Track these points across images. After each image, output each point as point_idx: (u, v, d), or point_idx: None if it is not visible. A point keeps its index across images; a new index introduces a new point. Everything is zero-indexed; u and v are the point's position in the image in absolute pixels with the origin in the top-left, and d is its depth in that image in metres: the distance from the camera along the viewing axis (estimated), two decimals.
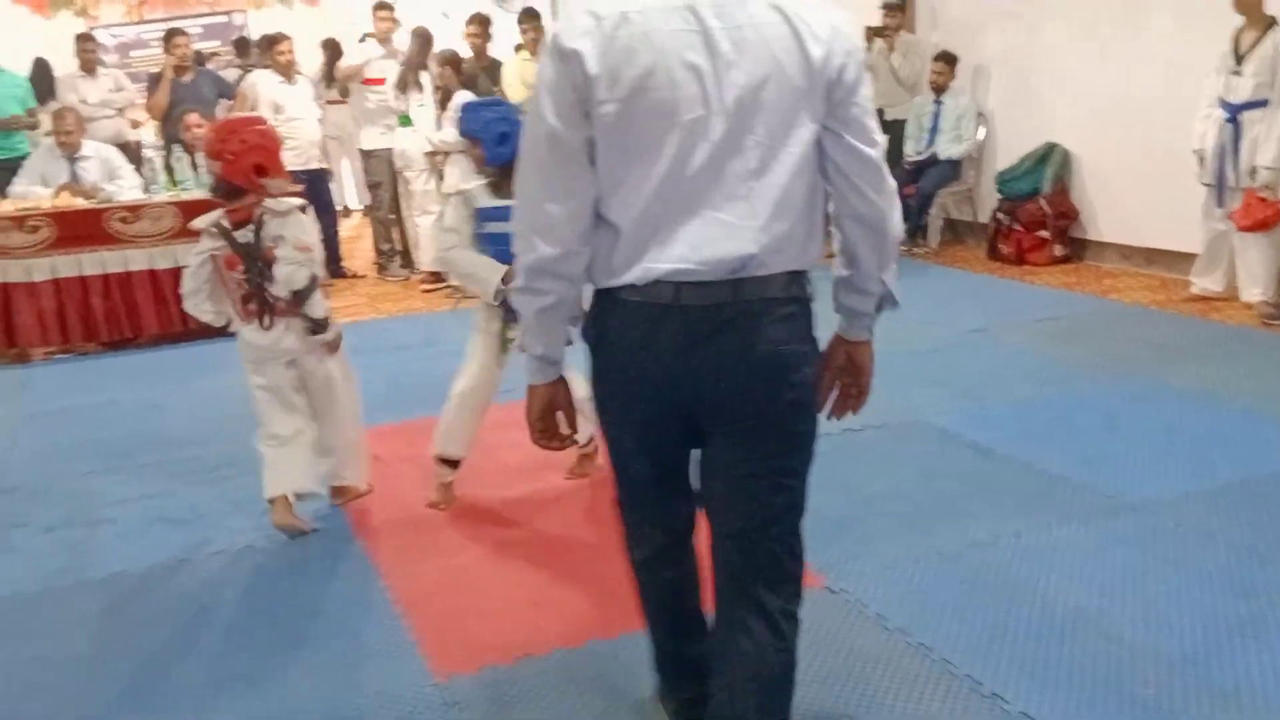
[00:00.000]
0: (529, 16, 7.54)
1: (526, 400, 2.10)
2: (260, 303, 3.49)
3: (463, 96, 7.23)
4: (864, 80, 1.88)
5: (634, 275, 1.87)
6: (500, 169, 3.53)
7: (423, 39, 7.70)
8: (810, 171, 1.88)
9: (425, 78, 7.56)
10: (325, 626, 3.11)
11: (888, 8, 7.97)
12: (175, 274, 6.39)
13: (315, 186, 7.23)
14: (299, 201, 3.63)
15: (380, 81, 7.78)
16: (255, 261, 3.44)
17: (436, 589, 3.29)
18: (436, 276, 7.80)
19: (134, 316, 6.43)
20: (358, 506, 3.91)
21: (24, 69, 8.58)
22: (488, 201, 3.63)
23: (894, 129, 8.10)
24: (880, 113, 8.28)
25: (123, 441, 4.78)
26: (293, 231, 3.49)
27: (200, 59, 8.73)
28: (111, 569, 3.55)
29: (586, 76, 1.78)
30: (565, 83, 1.80)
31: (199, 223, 3.56)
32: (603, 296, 1.95)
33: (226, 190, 3.49)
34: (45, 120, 7.61)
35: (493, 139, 3.58)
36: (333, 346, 3.67)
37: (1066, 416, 4.37)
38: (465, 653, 2.90)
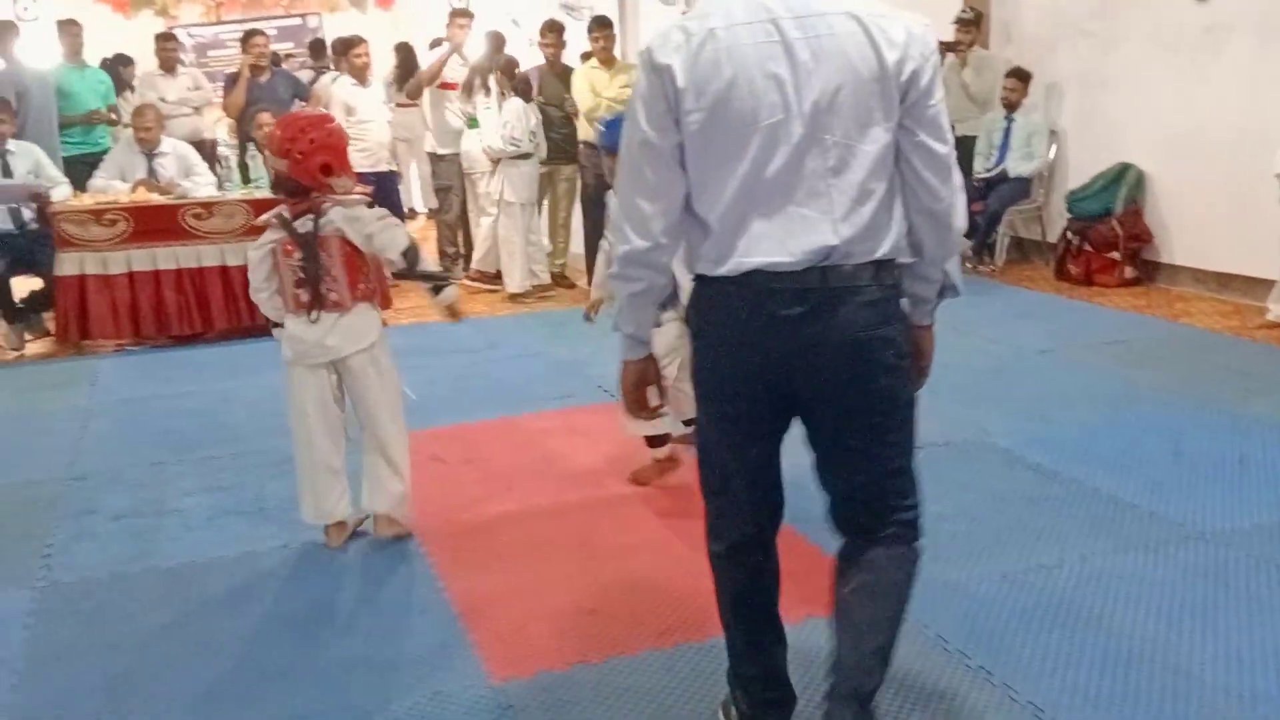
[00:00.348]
0: (600, 25, 7.56)
1: (620, 375, 2.30)
2: (312, 291, 3.44)
3: (514, 104, 7.29)
4: (938, 81, 2.02)
5: (727, 267, 2.04)
6: None
7: (496, 43, 7.78)
8: (887, 167, 2.03)
9: (493, 81, 7.63)
10: (383, 625, 3.14)
11: (961, 23, 7.89)
12: (245, 270, 6.50)
13: (384, 188, 7.31)
14: (364, 197, 3.60)
15: (455, 86, 7.86)
16: (312, 248, 3.41)
17: (494, 592, 3.30)
18: (484, 276, 7.87)
19: (204, 311, 6.55)
20: (418, 509, 3.93)
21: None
22: None
23: (964, 145, 7.99)
24: (950, 128, 8.21)
25: (191, 433, 4.87)
26: (361, 212, 3.45)
27: (275, 60, 8.88)
28: (177, 558, 3.62)
29: (676, 89, 1.98)
30: (657, 94, 2.01)
31: (264, 219, 3.57)
32: (701, 284, 2.13)
33: (291, 188, 3.45)
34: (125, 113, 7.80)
35: None
36: (454, 310, 3.63)
37: (1134, 442, 4.29)
38: (520, 656, 2.91)
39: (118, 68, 9.35)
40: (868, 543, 2.26)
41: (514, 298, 7.54)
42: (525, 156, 7.40)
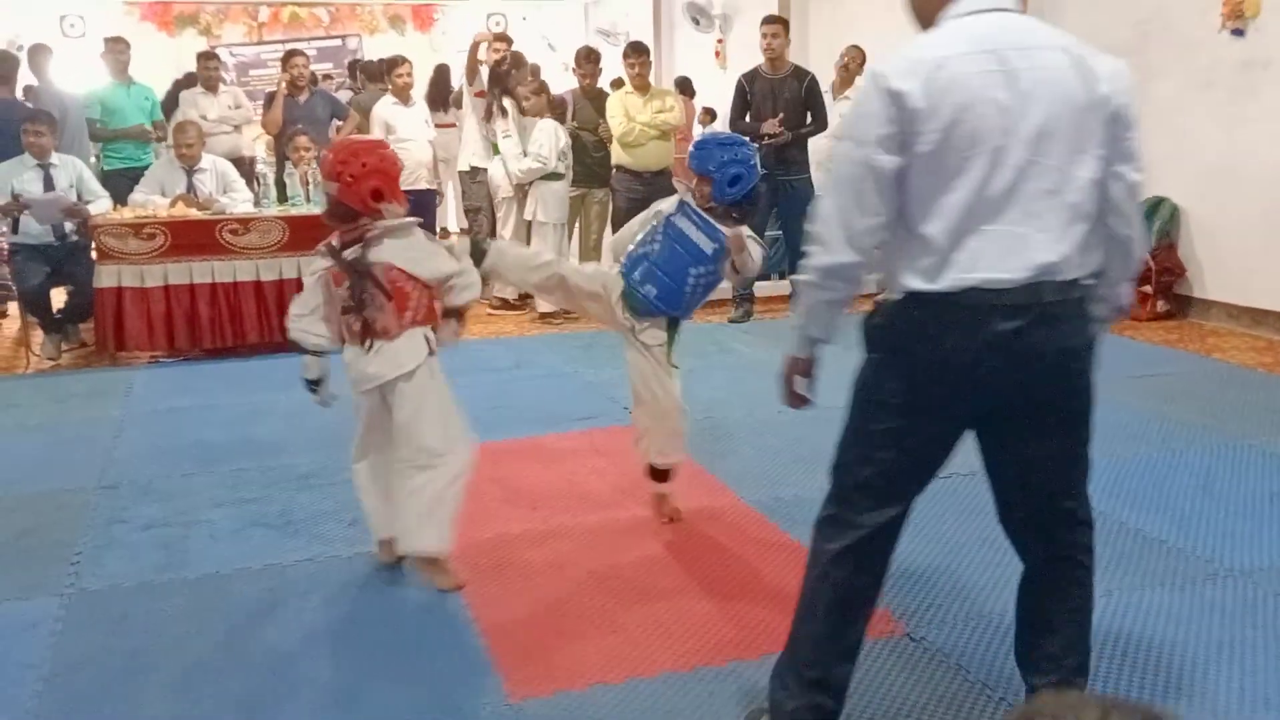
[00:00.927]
0: (636, 51, 7.62)
1: (784, 367, 2.48)
2: (361, 320, 3.38)
3: (546, 125, 7.33)
4: (1137, 116, 2.21)
5: (946, 283, 2.17)
6: (727, 207, 3.70)
7: (498, 67, 7.84)
8: (1094, 193, 2.20)
9: (508, 104, 7.65)
10: (403, 640, 3.16)
11: None
12: (279, 286, 6.62)
13: (420, 206, 7.38)
14: (415, 220, 3.52)
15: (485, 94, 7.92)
16: (360, 277, 3.35)
17: (515, 611, 3.31)
18: (505, 303, 7.91)
19: (237, 325, 6.63)
20: None
21: (152, 84, 8.95)
22: (696, 202, 3.74)
23: None
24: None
25: (221, 446, 4.92)
26: (418, 255, 3.39)
27: (313, 80, 9.00)
28: (204, 569, 3.65)
29: (909, 112, 2.12)
30: (887, 117, 2.14)
31: (316, 250, 3.52)
32: (912, 299, 2.23)
33: (342, 213, 3.37)
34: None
35: (725, 180, 3.67)
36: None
37: (1163, 477, 4.25)
38: (539, 676, 2.92)
39: (183, 88, 9.49)
40: (1052, 559, 2.44)
41: (544, 317, 7.58)
42: (556, 177, 7.44)
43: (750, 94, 7.35)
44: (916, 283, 2.21)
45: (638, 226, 3.89)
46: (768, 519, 3.93)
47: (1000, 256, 2.14)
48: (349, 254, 3.35)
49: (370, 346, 3.38)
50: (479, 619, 3.25)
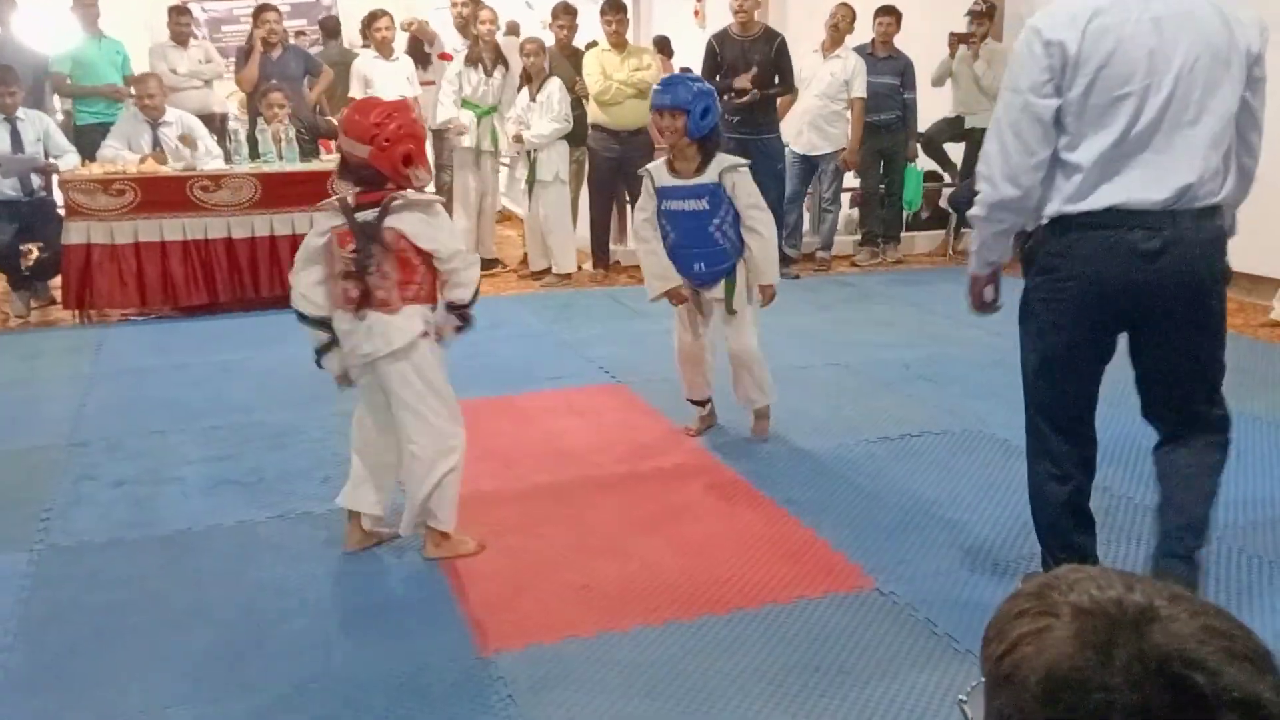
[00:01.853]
0: (613, 8, 7.51)
1: (971, 286, 2.88)
2: (361, 288, 3.18)
3: (555, 83, 7.22)
4: (1265, 59, 2.56)
5: (1090, 203, 2.53)
6: (698, 142, 3.91)
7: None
8: (1230, 125, 2.54)
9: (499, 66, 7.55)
10: (375, 595, 3.16)
11: (974, 15, 7.86)
12: (251, 244, 6.56)
13: None
14: (438, 197, 3.42)
15: (449, 57, 7.78)
16: (369, 241, 3.15)
17: (488, 566, 3.32)
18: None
19: (209, 283, 6.56)
20: None
21: (126, 39, 8.80)
22: (667, 181, 4.01)
23: (974, 136, 7.98)
24: (960, 120, 8.21)
25: (192, 404, 4.89)
26: (433, 230, 3.22)
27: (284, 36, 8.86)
28: (175, 526, 3.64)
29: (1065, 60, 2.47)
30: (1044, 65, 2.49)
31: (323, 204, 3.37)
32: (1057, 224, 2.60)
33: (369, 177, 3.18)
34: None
35: (698, 112, 3.85)
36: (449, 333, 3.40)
37: (1132, 436, 4.25)
38: (511, 630, 2.93)
39: None
40: (1190, 433, 2.76)
41: (536, 277, 7.48)
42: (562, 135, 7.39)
43: (720, 55, 7.28)
44: (1062, 205, 2.56)
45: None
46: (740, 476, 3.95)
47: (1143, 183, 2.49)
48: (362, 216, 3.18)
49: (364, 316, 3.19)
50: (450, 574, 3.26)
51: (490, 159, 7.59)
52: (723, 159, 3.99)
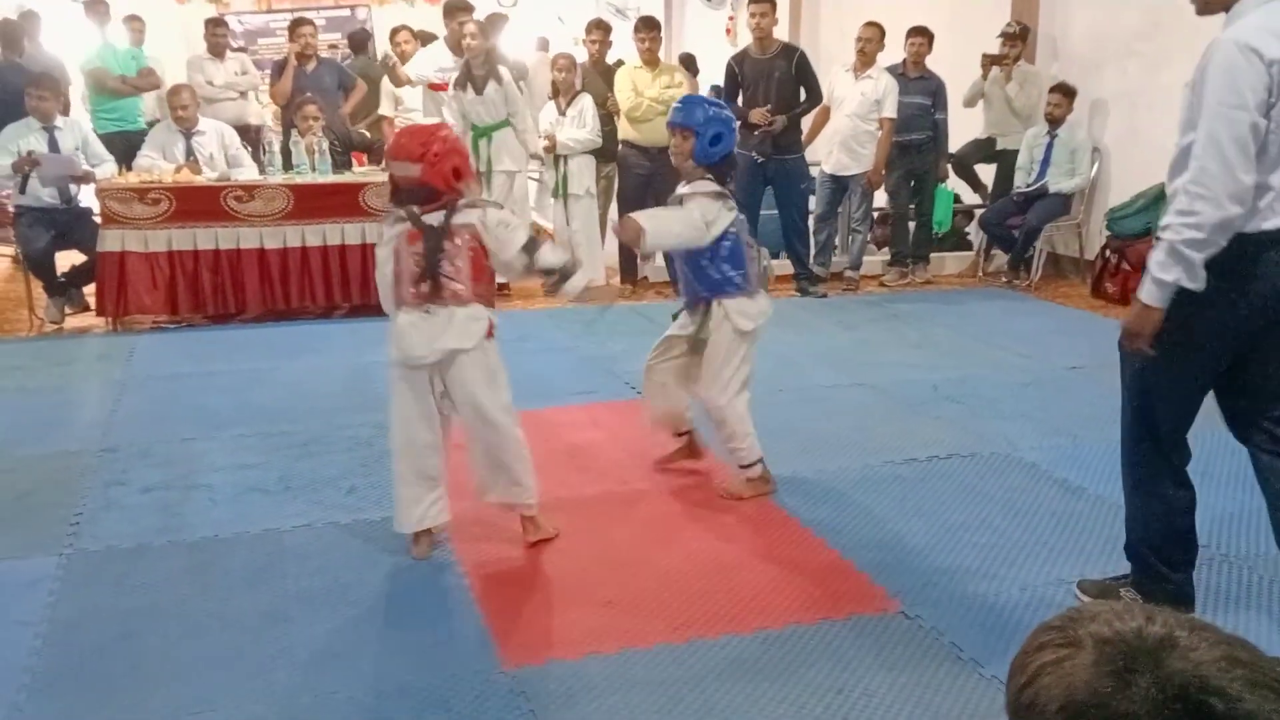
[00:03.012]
0: (647, 26, 7.55)
1: (1139, 315, 2.74)
2: (433, 282, 3.29)
3: (587, 99, 7.26)
4: None
5: (1273, 222, 2.59)
6: (705, 168, 3.76)
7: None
8: None
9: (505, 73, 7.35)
10: (400, 608, 3.17)
11: (1006, 36, 7.85)
12: (283, 254, 6.62)
13: None
14: (498, 204, 3.55)
15: (444, 87, 7.56)
16: (437, 238, 3.28)
17: (512, 581, 3.32)
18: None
19: (239, 292, 6.62)
20: None
21: (161, 51, 8.96)
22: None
23: (1005, 158, 7.97)
24: (992, 141, 8.18)
25: (221, 411, 4.93)
26: (491, 215, 3.37)
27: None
28: (201, 532, 3.66)
29: (1273, 78, 2.49)
30: (1264, 84, 2.50)
31: (385, 214, 3.49)
32: (1242, 239, 2.60)
33: (423, 194, 3.31)
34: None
35: (708, 137, 3.73)
36: (593, 297, 3.59)
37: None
38: (534, 645, 2.93)
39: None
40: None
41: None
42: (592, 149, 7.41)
43: (741, 75, 7.29)
44: (1251, 225, 2.58)
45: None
46: (767, 496, 3.93)
47: None
48: (428, 218, 3.31)
49: (431, 310, 3.30)
50: (475, 588, 3.26)
51: (504, 178, 7.45)
52: (700, 185, 3.79)
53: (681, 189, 3.86)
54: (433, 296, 3.30)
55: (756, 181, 7.14)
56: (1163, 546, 2.97)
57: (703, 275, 3.82)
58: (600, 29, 7.81)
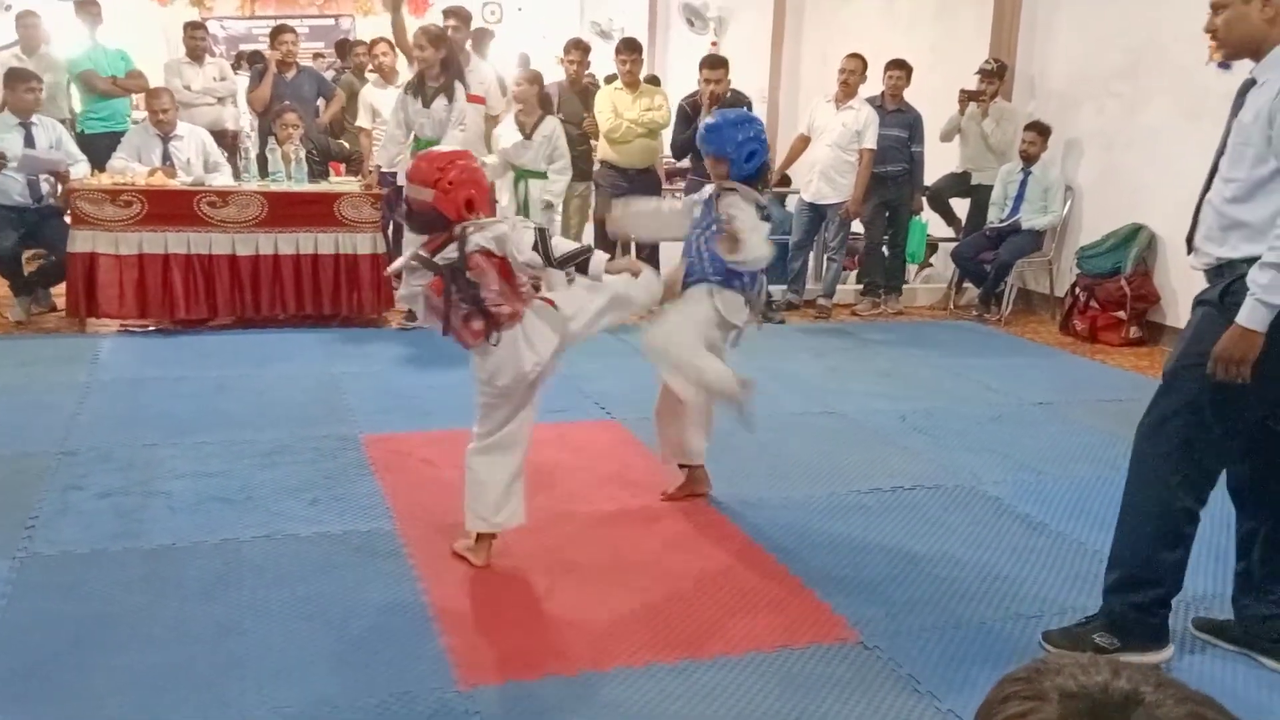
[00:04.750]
0: (629, 48, 7.57)
1: (1240, 340, 2.69)
2: (484, 318, 3.27)
3: (553, 123, 7.00)
4: None
5: None
6: (744, 181, 3.83)
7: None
8: None
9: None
10: (358, 622, 3.14)
11: (984, 73, 7.94)
12: (255, 261, 6.57)
13: (402, 195, 7.30)
14: (504, 219, 3.47)
15: (481, 100, 7.68)
16: (462, 276, 3.24)
17: (473, 599, 3.30)
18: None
19: (210, 298, 6.56)
20: (405, 511, 3.94)
21: (141, 55, 8.92)
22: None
23: (980, 194, 8.05)
24: (967, 176, 8.26)
25: (185, 418, 4.87)
26: (496, 229, 3.29)
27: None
28: (159, 540, 3.62)
29: None
30: None
31: (396, 266, 3.50)
32: None
33: (435, 221, 3.31)
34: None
35: (741, 158, 3.80)
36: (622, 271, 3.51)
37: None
38: (492, 664, 2.91)
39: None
40: None
41: None
42: (544, 175, 7.29)
43: (694, 121, 7.22)
44: None
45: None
46: (730, 520, 3.93)
47: None
48: (441, 259, 3.28)
49: (498, 340, 3.29)
50: (435, 605, 3.23)
51: None
52: (744, 194, 3.85)
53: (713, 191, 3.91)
54: (490, 328, 3.28)
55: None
56: (1171, 569, 2.97)
57: (717, 260, 3.84)
58: (579, 49, 7.82)
